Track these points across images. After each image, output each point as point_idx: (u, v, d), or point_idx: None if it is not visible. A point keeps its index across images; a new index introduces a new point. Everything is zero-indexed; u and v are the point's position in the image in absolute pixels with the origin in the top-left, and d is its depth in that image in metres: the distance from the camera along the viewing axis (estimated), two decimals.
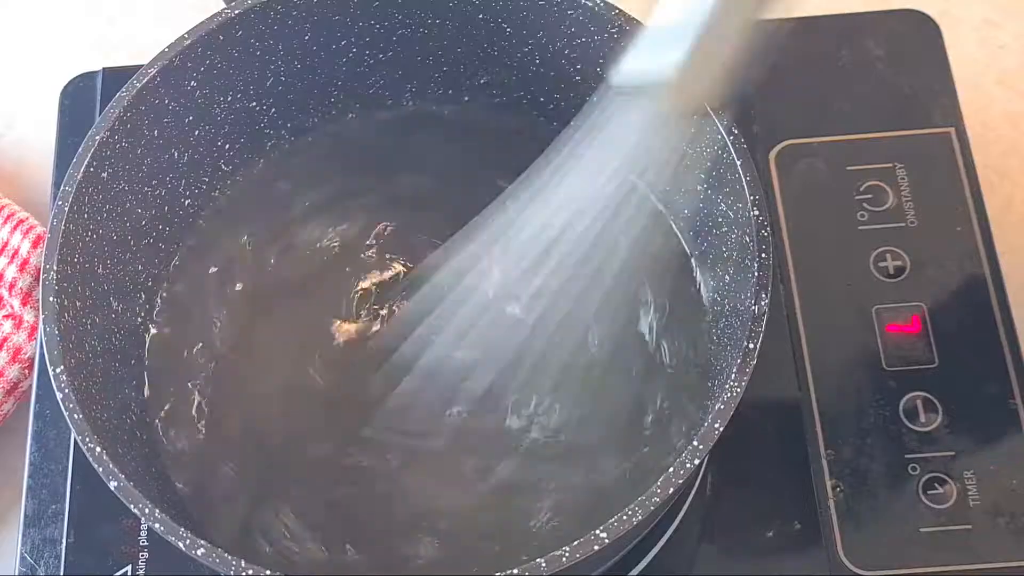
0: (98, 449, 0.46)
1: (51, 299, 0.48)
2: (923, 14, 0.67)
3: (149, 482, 0.49)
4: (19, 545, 0.56)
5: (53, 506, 0.57)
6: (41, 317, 0.48)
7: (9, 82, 0.73)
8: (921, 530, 0.55)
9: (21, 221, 0.63)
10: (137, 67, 0.67)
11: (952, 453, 0.57)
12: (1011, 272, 0.61)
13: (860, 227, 0.62)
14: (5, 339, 0.61)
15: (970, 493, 0.56)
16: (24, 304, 0.62)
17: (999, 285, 0.60)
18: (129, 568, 0.55)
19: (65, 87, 0.67)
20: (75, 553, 0.56)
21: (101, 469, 0.45)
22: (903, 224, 0.62)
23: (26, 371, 0.61)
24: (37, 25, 0.74)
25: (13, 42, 0.74)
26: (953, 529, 0.55)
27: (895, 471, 0.56)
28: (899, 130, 0.64)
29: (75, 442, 0.57)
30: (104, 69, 0.67)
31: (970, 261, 0.61)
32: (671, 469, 0.44)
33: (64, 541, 0.56)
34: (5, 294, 0.62)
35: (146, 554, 0.55)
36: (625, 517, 0.43)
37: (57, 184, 0.64)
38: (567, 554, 0.43)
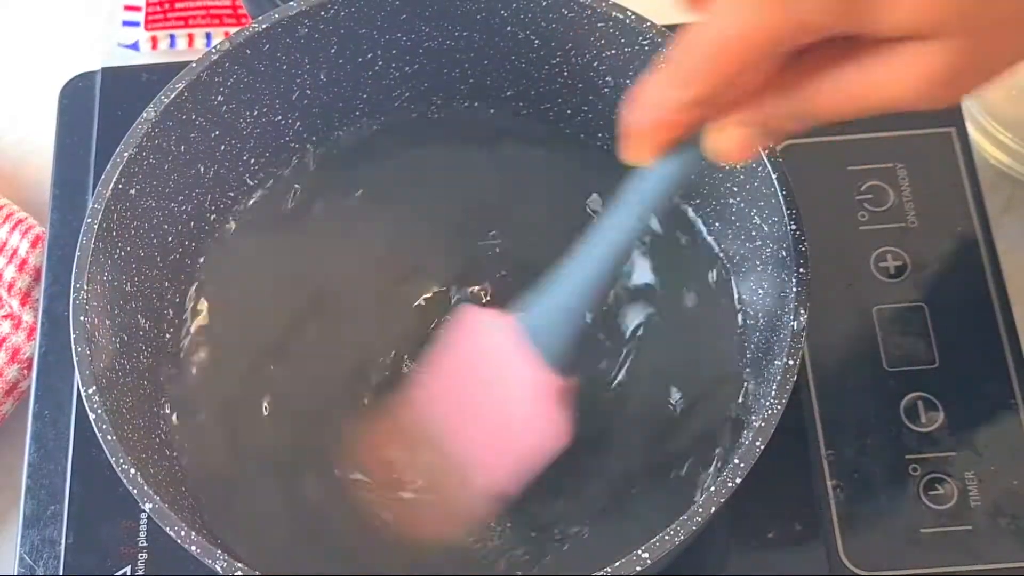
0: (132, 471, 0.45)
1: (81, 319, 0.48)
2: None
3: (180, 502, 0.49)
4: (18, 546, 0.56)
5: (52, 507, 0.57)
6: (72, 337, 0.47)
7: (9, 82, 0.73)
8: (922, 531, 0.55)
9: (20, 221, 0.63)
10: (136, 67, 0.68)
11: (953, 453, 0.56)
12: (1012, 272, 0.61)
13: (861, 227, 0.62)
14: (4, 339, 0.61)
15: (971, 493, 0.56)
16: (23, 304, 0.62)
17: (1000, 285, 0.60)
18: (128, 569, 0.55)
19: (64, 87, 0.66)
20: (74, 554, 0.56)
21: (136, 491, 0.45)
22: (904, 224, 0.62)
23: (25, 371, 0.61)
24: (37, 25, 0.74)
25: (13, 42, 0.74)
26: (954, 530, 0.55)
27: (896, 471, 0.56)
28: (899, 130, 0.64)
29: (74, 442, 0.58)
30: (103, 69, 0.67)
31: (971, 261, 0.61)
32: (712, 488, 0.44)
33: (63, 542, 0.56)
34: (4, 294, 0.62)
35: (145, 555, 0.55)
36: (667, 537, 0.43)
37: (57, 184, 0.64)
38: (608, 574, 0.43)
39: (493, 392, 0.50)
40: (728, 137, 0.40)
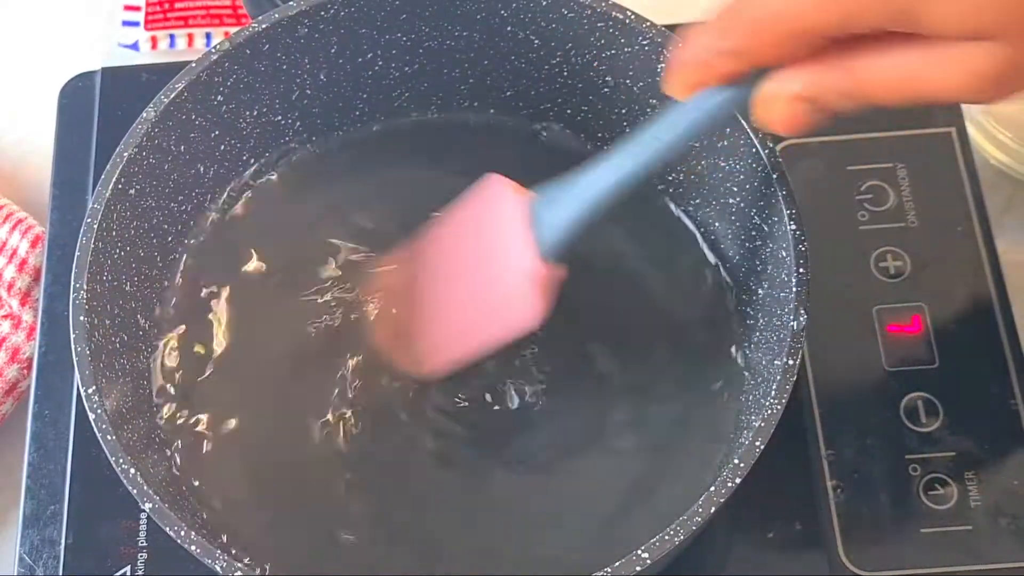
0: (132, 471, 0.45)
1: (81, 318, 0.48)
2: None
3: (180, 502, 0.49)
4: (18, 546, 0.56)
5: (52, 507, 0.57)
6: (72, 337, 0.47)
7: (9, 82, 0.73)
8: (922, 531, 0.55)
9: (20, 221, 0.63)
10: (136, 67, 0.68)
11: (953, 454, 0.56)
12: (1012, 272, 0.61)
13: (861, 227, 0.62)
14: (3, 339, 0.61)
15: (971, 494, 0.56)
16: (23, 304, 0.62)
17: (1000, 285, 0.60)
18: (128, 569, 0.55)
19: (64, 87, 0.66)
20: (74, 554, 0.56)
21: (135, 491, 0.45)
22: (904, 224, 0.62)
23: (24, 371, 0.61)
24: (37, 25, 0.74)
25: (13, 42, 0.74)
26: (954, 530, 0.55)
27: (896, 472, 0.56)
28: (899, 130, 0.64)
29: (74, 443, 0.58)
30: (103, 69, 0.67)
31: (971, 261, 0.61)
32: (712, 488, 0.44)
33: (63, 542, 0.56)
34: (4, 294, 0.62)
35: (145, 555, 0.55)
36: (667, 537, 0.43)
37: (57, 184, 0.64)
38: (608, 574, 0.43)
39: (487, 258, 0.52)
40: (777, 109, 0.41)
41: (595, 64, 0.55)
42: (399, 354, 0.55)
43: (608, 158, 0.47)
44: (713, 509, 0.44)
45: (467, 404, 0.54)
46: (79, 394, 0.48)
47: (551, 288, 0.50)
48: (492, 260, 0.51)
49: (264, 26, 0.53)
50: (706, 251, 0.57)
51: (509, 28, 0.55)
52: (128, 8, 0.73)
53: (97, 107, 0.65)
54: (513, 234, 0.50)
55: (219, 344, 0.56)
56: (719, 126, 0.48)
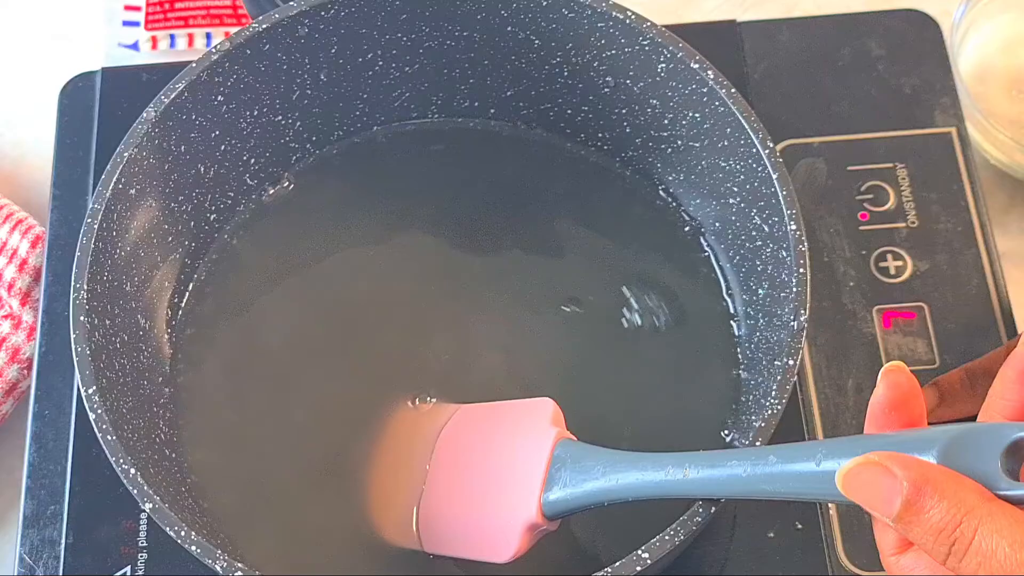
0: (132, 471, 0.45)
1: (81, 318, 0.48)
2: (923, 14, 0.67)
3: (180, 502, 0.49)
4: (18, 546, 0.56)
5: (52, 507, 0.57)
6: (72, 337, 0.47)
7: (9, 82, 0.73)
8: None
9: (20, 221, 0.63)
10: (136, 67, 0.68)
11: None
12: (1012, 272, 0.61)
13: (861, 227, 0.62)
14: (4, 339, 0.61)
15: None
16: (23, 304, 0.62)
17: (1000, 285, 0.60)
18: (128, 569, 0.55)
19: (64, 87, 0.66)
20: (74, 554, 0.56)
21: (135, 491, 0.45)
22: (904, 224, 0.62)
23: (25, 371, 0.61)
24: (37, 25, 0.74)
25: (13, 42, 0.74)
26: None
27: None
28: (900, 130, 0.64)
29: (74, 443, 0.58)
30: (103, 69, 0.67)
31: (971, 261, 0.61)
32: None
33: (63, 542, 0.56)
34: (4, 294, 0.62)
35: (145, 555, 0.55)
36: (667, 537, 0.44)
37: (57, 184, 0.64)
38: (608, 574, 0.43)
39: (496, 478, 0.49)
40: None
41: (595, 64, 0.55)
42: (384, 512, 0.53)
43: (653, 464, 0.44)
44: (713, 509, 0.44)
45: None
46: (79, 394, 0.48)
47: (534, 539, 0.48)
48: (500, 483, 0.49)
49: (264, 26, 0.53)
50: (706, 251, 0.57)
51: (509, 28, 0.55)
52: (128, 8, 0.73)
53: (97, 107, 0.65)
54: (530, 468, 0.47)
55: (219, 344, 0.56)
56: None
